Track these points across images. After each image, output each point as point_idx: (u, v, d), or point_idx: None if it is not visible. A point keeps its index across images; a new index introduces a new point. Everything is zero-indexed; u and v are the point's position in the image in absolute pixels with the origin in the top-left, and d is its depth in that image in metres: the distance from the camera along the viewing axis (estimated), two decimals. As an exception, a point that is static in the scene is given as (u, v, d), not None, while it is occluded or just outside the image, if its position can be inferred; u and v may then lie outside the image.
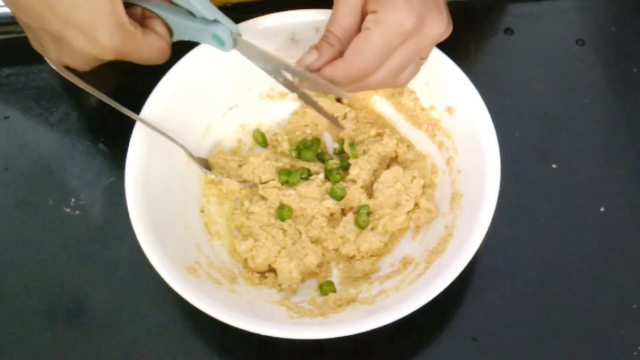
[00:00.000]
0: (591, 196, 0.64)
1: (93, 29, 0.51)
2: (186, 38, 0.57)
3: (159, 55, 0.56)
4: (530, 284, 0.60)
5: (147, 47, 0.55)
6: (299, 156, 0.65)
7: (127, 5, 0.54)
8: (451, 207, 0.59)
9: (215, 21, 0.55)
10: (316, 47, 0.53)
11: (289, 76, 0.55)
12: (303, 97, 0.57)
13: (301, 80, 0.54)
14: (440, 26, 0.52)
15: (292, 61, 0.54)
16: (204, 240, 0.60)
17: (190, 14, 0.55)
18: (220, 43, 0.55)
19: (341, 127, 0.62)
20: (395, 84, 0.55)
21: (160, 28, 0.56)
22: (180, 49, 0.60)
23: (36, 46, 0.57)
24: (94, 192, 0.64)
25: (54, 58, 0.56)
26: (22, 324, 0.59)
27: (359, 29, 0.52)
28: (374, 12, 0.50)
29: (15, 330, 0.59)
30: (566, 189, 0.64)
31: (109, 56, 0.54)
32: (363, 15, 0.52)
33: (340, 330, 0.51)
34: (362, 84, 0.54)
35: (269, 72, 0.56)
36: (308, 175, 0.63)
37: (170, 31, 0.57)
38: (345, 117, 0.65)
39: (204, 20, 0.55)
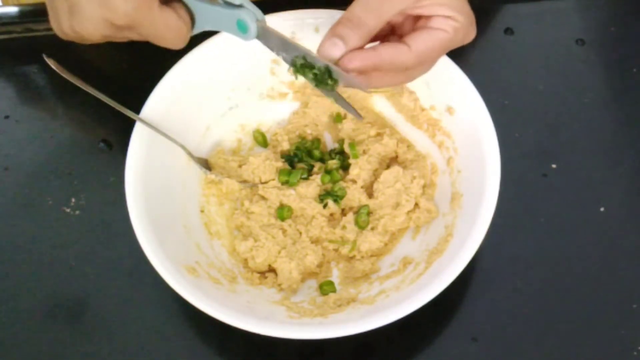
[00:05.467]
0: (591, 196, 0.64)
1: None
2: (207, 27, 0.54)
3: (175, 36, 0.53)
4: (530, 284, 0.60)
5: (162, 22, 0.52)
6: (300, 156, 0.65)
7: None
8: (451, 207, 0.59)
9: (241, 6, 0.52)
10: (337, 35, 0.50)
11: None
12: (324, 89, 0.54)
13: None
14: (474, 35, 0.54)
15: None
16: (204, 240, 0.60)
17: None
18: (243, 30, 0.52)
19: (359, 117, 0.57)
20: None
21: (181, 11, 0.53)
22: (181, 48, 0.60)
23: (53, 23, 0.54)
24: (94, 192, 0.64)
25: (67, 29, 0.53)
26: (22, 324, 0.59)
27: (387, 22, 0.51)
28: (448, 17, 0.51)
29: (15, 330, 0.59)
30: (566, 189, 0.64)
31: (120, 20, 0.50)
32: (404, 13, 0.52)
33: (340, 330, 0.51)
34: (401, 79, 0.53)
35: (289, 62, 0.53)
36: (308, 175, 0.63)
37: (192, 19, 0.54)
38: (345, 117, 0.65)
39: (229, 4, 0.52)
